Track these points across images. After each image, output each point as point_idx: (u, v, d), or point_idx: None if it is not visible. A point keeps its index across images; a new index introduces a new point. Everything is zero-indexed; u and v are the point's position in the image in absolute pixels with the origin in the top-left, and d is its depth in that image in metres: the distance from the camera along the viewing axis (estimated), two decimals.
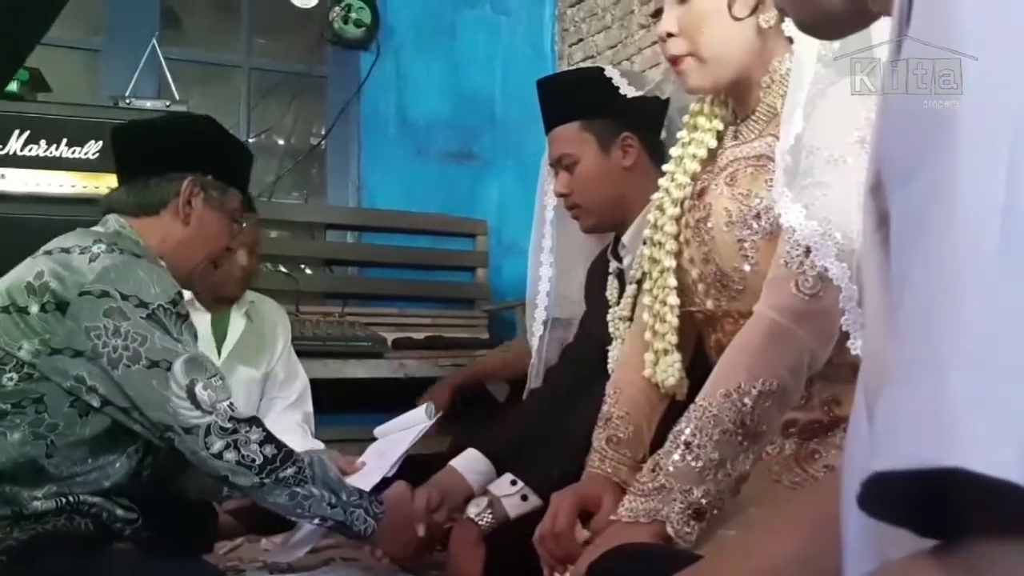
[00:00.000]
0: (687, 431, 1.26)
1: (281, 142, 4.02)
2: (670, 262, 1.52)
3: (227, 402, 1.56)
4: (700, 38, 1.42)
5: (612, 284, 1.96)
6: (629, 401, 1.56)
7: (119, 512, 1.60)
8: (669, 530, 1.23)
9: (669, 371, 1.51)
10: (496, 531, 1.74)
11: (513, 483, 1.77)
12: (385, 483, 1.82)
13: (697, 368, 1.51)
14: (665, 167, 1.60)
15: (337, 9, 3.85)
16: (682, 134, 1.59)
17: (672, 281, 1.51)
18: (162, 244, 1.75)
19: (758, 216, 1.37)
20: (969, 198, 0.43)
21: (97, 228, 1.73)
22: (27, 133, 2.54)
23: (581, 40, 4.05)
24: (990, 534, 0.41)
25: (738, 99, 1.50)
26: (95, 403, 1.56)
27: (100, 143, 2.56)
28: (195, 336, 1.67)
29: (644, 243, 1.61)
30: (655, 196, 1.59)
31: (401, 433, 2.03)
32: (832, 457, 1.34)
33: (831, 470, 1.31)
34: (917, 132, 0.47)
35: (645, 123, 1.93)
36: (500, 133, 4.15)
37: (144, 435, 1.59)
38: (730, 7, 1.38)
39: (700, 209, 1.47)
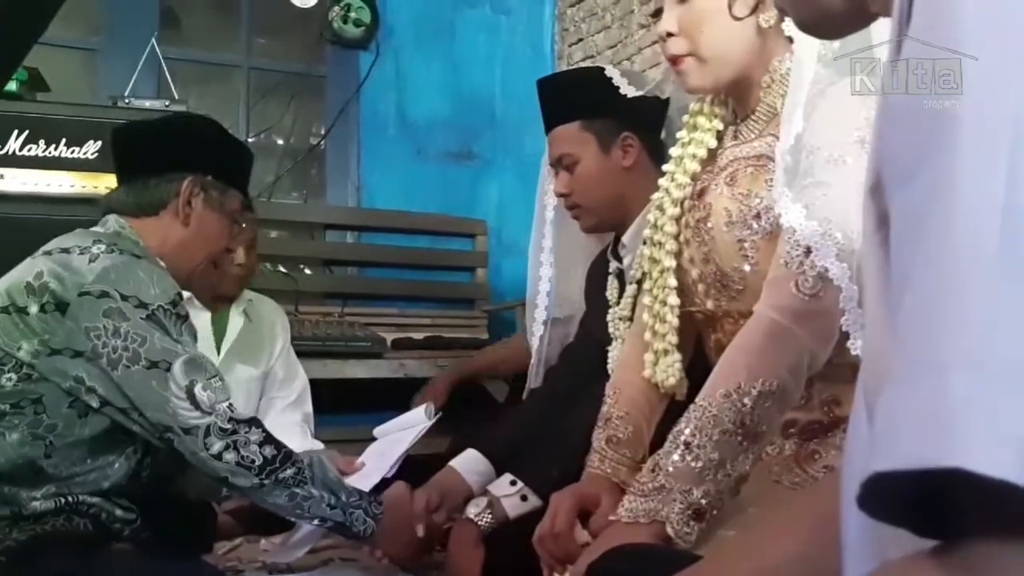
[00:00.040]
0: (687, 431, 1.26)
1: (280, 142, 4.02)
2: (670, 262, 1.51)
3: (226, 403, 1.56)
4: (700, 38, 1.42)
5: (612, 284, 1.96)
6: (629, 401, 1.56)
7: (118, 512, 1.60)
8: (669, 530, 1.23)
9: (669, 371, 1.51)
10: (496, 531, 1.74)
11: (513, 483, 1.77)
12: (385, 483, 1.82)
13: (697, 368, 1.51)
14: (665, 167, 1.59)
15: (336, 9, 3.84)
16: (682, 134, 1.59)
17: (672, 281, 1.50)
18: (162, 245, 1.75)
19: (758, 216, 1.37)
20: (969, 198, 0.43)
21: (97, 228, 1.73)
22: (26, 133, 2.54)
23: (581, 40, 4.05)
24: (990, 534, 0.41)
25: (738, 99, 1.50)
26: (94, 404, 1.56)
27: (99, 143, 2.55)
28: (195, 337, 1.67)
29: (644, 243, 1.61)
30: (655, 196, 1.59)
31: (401, 433, 2.03)
32: (832, 457, 1.34)
33: (831, 470, 1.31)
34: (917, 132, 0.47)
35: (645, 123, 1.93)
36: (500, 133, 4.15)
37: (143, 436, 1.59)
38: (730, 7, 1.38)
39: (700, 209, 1.47)
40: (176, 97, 2.98)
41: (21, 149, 2.54)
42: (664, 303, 1.52)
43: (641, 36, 3.63)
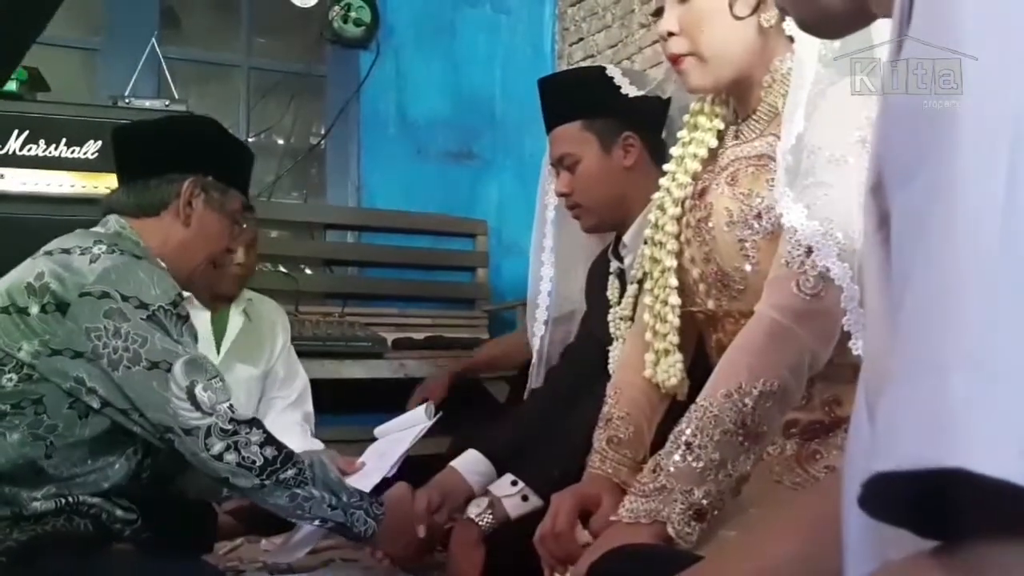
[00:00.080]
0: (688, 431, 1.26)
1: (280, 142, 4.02)
2: (671, 262, 1.51)
3: (227, 404, 1.56)
4: (701, 37, 1.42)
5: (613, 284, 1.96)
6: (630, 402, 1.56)
7: (119, 513, 1.60)
8: (670, 531, 1.23)
9: (670, 371, 1.51)
10: (496, 531, 1.74)
11: (514, 483, 1.77)
12: (385, 483, 1.82)
13: (698, 368, 1.51)
14: (666, 167, 1.59)
15: (337, 8, 3.84)
16: (683, 133, 1.59)
17: (673, 281, 1.50)
18: (163, 245, 1.75)
19: (759, 216, 1.37)
20: (969, 198, 0.43)
21: (97, 229, 1.73)
22: (26, 133, 2.54)
23: (581, 39, 4.05)
24: (991, 535, 0.41)
25: (739, 98, 1.50)
26: (95, 404, 1.56)
27: (99, 143, 2.55)
28: (195, 337, 1.67)
29: (645, 243, 1.61)
30: (656, 196, 1.59)
31: (401, 433, 2.03)
32: (833, 458, 1.34)
33: (832, 470, 1.31)
34: (917, 132, 0.47)
35: (646, 122, 1.93)
36: (500, 133, 4.15)
37: (144, 436, 1.59)
38: (731, 6, 1.38)
39: (701, 209, 1.47)
40: (176, 97, 2.98)
41: (21, 149, 2.54)
42: (665, 303, 1.51)
43: (642, 35, 3.63)
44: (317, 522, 1.63)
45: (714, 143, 1.53)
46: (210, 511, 1.96)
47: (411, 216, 3.91)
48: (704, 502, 1.23)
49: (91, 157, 2.58)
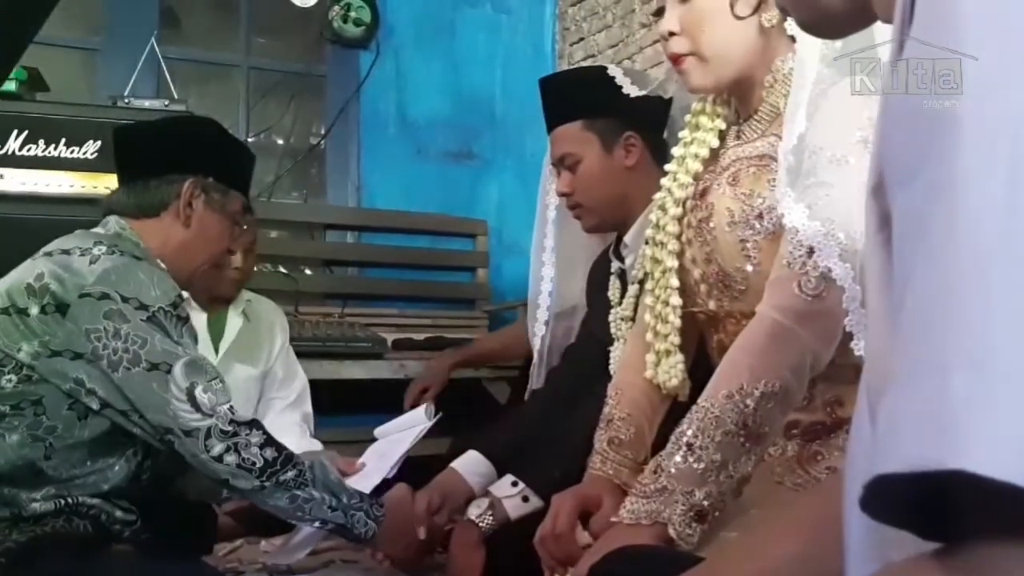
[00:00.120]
0: (689, 432, 1.26)
1: (280, 142, 4.02)
2: (672, 262, 1.51)
3: (227, 405, 1.56)
4: (702, 37, 1.42)
5: (614, 284, 1.96)
6: (631, 402, 1.55)
7: (118, 514, 1.60)
8: (671, 532, 1.22)
9: (671, 372, 1.51)
10: (497, 532, 1.74)
11: (514, 484, 1.77)
12: (385, 485, 1.81)
13: (699, 369, 1.51)
14: (667, 167, 1.59)
15: (337, 8, 3.84)
16: (684, 133, 1.58)
17: (674, 281, 1.50)
18: (163, 246, 1.75)
19: (760, 216, 1.37)
20: (970, 198, 0.43)
21: (97, 230, 1.72)
22: (25, 133, 2.54)
23: (582, 39, 4.05)
24: (992, 536, 0.40)
25: (740, 98, 1.50)
26: (94, 406, 1.56)
27: (99, 143, 2.55)
28: (195, 338, 1.67)
29: (646, 243, 1.61)
30: (657, 196, 1.58)
31: (401, 434, 2.03)
32: (834, 459, 1.34)
33: (833, 471, 1.31)
34: (918, 133, 0.47)
35: (648, 122, 1.93)
36: (500, 133, 4.14)
37: (144, 438, 1.59)
38: (732, 6, 1.38)
39: (702, 209, 1.47)
40: (176, 97, 2.97)
41: (21, 149, 2.53)
42: (666, 303, 1.51)
43: (642, 35, 3.63)
44: (317, 523, 1.62)
45: (715, 143, 1.53)
46: (210, 512, 1.95)
47: (411, 216, 3.91)
48: (705, 503, 1.23)
49: (90, 157, 2.58)
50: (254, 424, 1.58)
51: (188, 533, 1.80)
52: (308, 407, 2.54)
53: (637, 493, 1.28)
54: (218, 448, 1.52)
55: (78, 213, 2.16)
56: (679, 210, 1.52)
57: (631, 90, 1.91)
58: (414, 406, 2.54)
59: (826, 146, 1.26)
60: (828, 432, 1.36)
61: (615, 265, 1.99)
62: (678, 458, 1.25)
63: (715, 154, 1.53)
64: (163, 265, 1.69)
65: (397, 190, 3.94)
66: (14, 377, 1.54)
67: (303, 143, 4.08)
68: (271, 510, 1.61)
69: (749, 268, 1.38)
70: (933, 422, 0.40)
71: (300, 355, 2.62)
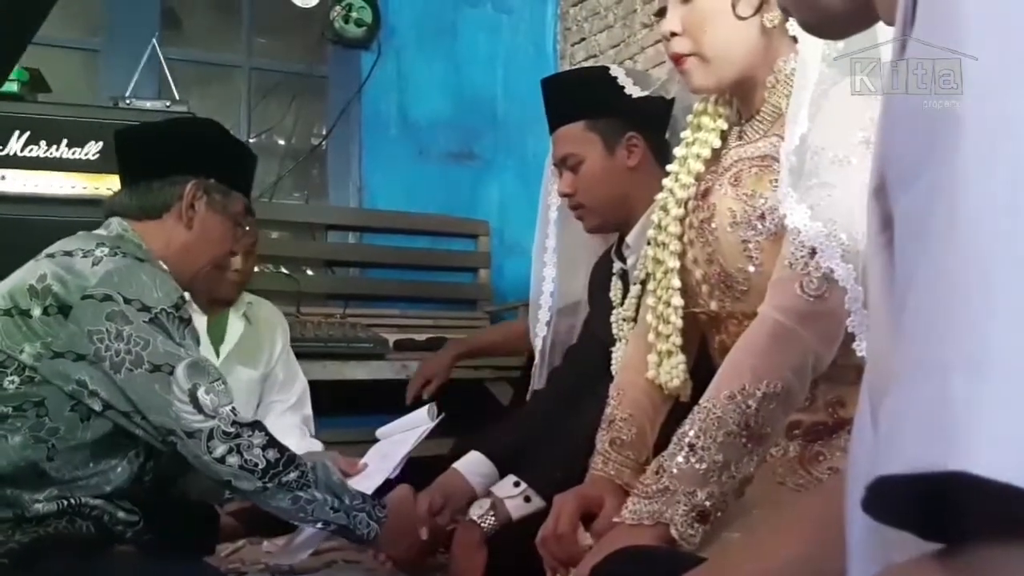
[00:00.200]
0: (691, 433, 1.26)
1: (282, 142, 4.02)
2: (674, 263, 1.51)
3: (230, 406, 1.56)
4: (704, 37, 1.41)
5: (616, 285, 1.96)
6: (632, 403, 1.55)
7: (120, 515, 1.60)
8: (673, 532, 1.22)
9: (673, 373, 1.51)
10: (499, 533, 1.74)
11: (516, 485, 1.76)
12: (387, 485, 1.81)
13: (701, 370, 1.51)
14: (669, 167, 1.59)
15: (338, 8, 3.84)
16: (686, 134, 1.58)
17: (676, 282, 1.50)
18: (165, 248, 1.75)
19: (762, 217, 1.36)
20: (970, 199, 0.43)
21: (100, 231, 1.73)
22: (27, 134, 2.54)
23: (583, 39, 4.05)
24: (993, 537, 0.40)
25: (742, 99, 1.50)
26: (96, 407, 1.56)
27: (100, 144, 2.55)
28: (197, 340, 1.67)
29: (648, 243, 1.61)
30: (659, 196, 1.58)
31: (404, 435, 2.03)
32: (836, 459, 1.33)
33: (835, 472, 1.31)
34: (919, 133, 0.47)
35: (650, 123, 1.93)
36: (502, 133, 4.14)
37: (146, 439, 1.59)
38: (734, 6, 1.38)
39: (704, 209, 1.46)
40: (177, 98, 2.97)
41: (22, 150, 2.54)
42: (668, 304, 1.51)
43: (644, 35, 3.63)
44: (319, 524, 1.63)
45: (717, 143, 1.53)
46: (212, 513, 1.95)
47: (413, 217, 3.91)
48: (707, 504, 1.23)
49: (92, 158, 2.58)
50: (256, 425, 1.58)
51: (190, 534, 1.80)
52: (308, 410, 2.54)
53: (639, 493, 1.28)
54: (220, 449, 1.53)
55: (80, 214, 2.16)
56: (681, 210, 1.52)
57: (633, 90, 1.91)
58: (416, 399, 2.54)
59: (828, 147, 1.26)
60: (830, 433, 1.36)
61: (617, 266, 1.98)
62: (680, 459, 1.25)
63: (717, 154, 1.52)
64: (165, 267, 1.69)
65: (398, 190, 3.95)
66: (16, 378, 1.54)
67: (304, 144, 4.08)
68: (273, 511, 1.61)
69: (751, 269, 1.38)
70: (934, 423, 0.40)
71: (302, 356, 2.62)
